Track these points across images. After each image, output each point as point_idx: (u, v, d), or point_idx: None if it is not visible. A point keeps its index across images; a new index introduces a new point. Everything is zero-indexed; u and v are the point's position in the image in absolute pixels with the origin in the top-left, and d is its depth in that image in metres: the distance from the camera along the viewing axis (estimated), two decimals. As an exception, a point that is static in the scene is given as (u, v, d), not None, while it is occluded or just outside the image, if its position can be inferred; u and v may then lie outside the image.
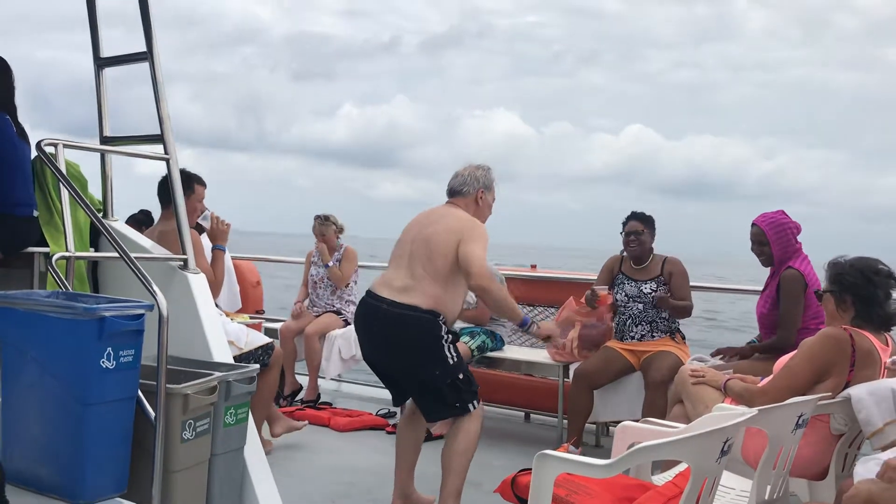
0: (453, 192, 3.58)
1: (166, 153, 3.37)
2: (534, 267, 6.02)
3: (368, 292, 3.44)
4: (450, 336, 3.27)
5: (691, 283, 4.67)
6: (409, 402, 3.57)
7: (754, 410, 2.32)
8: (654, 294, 4.49)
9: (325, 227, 6.02)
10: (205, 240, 4.35)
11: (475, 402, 3.29)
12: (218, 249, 4.21)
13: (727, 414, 2.26)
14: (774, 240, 3.94)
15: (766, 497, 2.58)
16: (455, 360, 3.25)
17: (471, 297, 4.66)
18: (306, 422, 4.67)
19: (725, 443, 2.03)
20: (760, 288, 4.17)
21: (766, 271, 4.08)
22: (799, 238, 3.99)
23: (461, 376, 3.25)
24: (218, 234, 4.25)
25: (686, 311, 4.54)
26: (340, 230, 6.08)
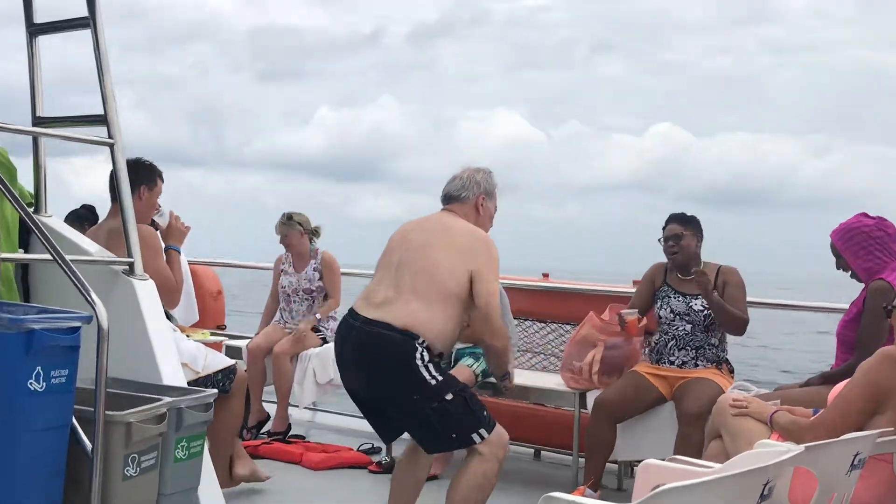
0: (450, 198, 3.62)
1: (110, 137, 3.38)
2: (546, 276, 6.03)
3: (349, 310, 3.48)
4: (427, 355, 3.26)
5: (753, 300, 4.68)
6: (409, 443, 3.60)
7: (801, 448, 2.33)
8: (704, 312, 4.47)
9: (288, 228, 5.95)
10: None
11: (481, 431, 3.24)
12: (173, 250, 4.22)
13: (769, 451, 2.28)
14: (845, 249, 3.94)
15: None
16: (439, 380, 3.24)
17: None
18: (270, 477, 4.57)
19: (765, 486, 2.05)
20: (832, 305, 4.20)
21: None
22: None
23: (448, 397, 3.23)
24: (174, 232, 4.27)
25: (739, 324, 4.48)
26: (314, 233, 6.04)
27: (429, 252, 3.38)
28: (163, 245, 4.21)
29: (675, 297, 4.59)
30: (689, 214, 4.68)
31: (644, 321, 4.63)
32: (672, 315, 4.57)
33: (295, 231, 5.94)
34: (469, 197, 3.58)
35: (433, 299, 3.30)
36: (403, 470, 3.57)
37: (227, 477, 4.17)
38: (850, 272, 4.02)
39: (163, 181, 4.29)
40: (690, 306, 4.53)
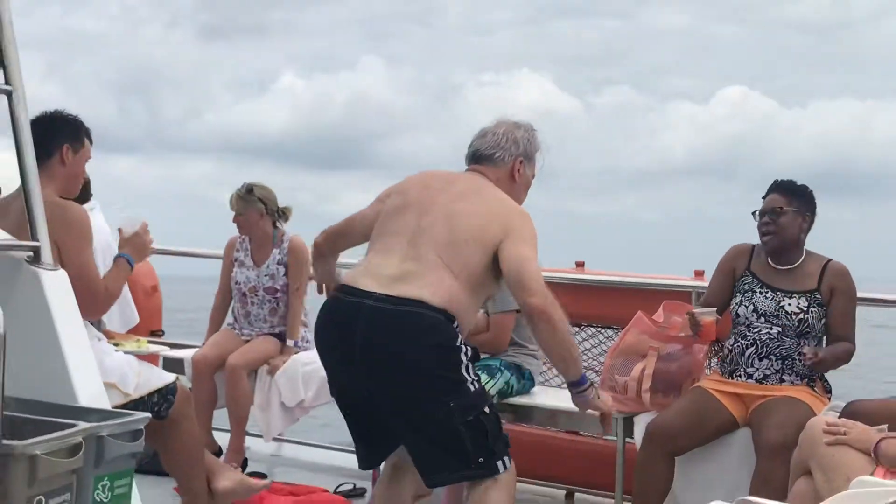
0: (480, 158, 3.61)
1: (7, 84, 3.35)
2: (580, 265, 6.00)
3: (342, 287, 3.45)
4: (468, 349, 3.27)
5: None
6: (388, 460, 3.60)
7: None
8: (799, 316, 4.41)
9: (245, 205, 5.83)
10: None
11: (505, 459, 3.28)
12: (124, 259, 4.14)
13: (873, 492, 2.24)
14: None
15: None
16: (476, 387, 3.26)
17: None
18: (268, 483, 4.74)
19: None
20: None
21: None
22: None
23: (487, 411, 3.25)
24: (137, 245, 4.19)
25: (844, 358, 4.45)
26: (280, 215, 5.96)
27: (457, 221, 3.37)
28: (107, 243, 4.17)
29: (761, 292, 4.51)
30: (799, 184, 4.59)
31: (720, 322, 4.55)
32: (755, 315, 4.49)
33: (254, 209, 5.82)
34: (505, 159, 3.57)
35: (460, 277, 3.30)
36: (385, 491, 3.59)
37: (208, 501, 4.24)
38: None
39: (91, 143, 4.20)
40: (782, 306, 4.45)
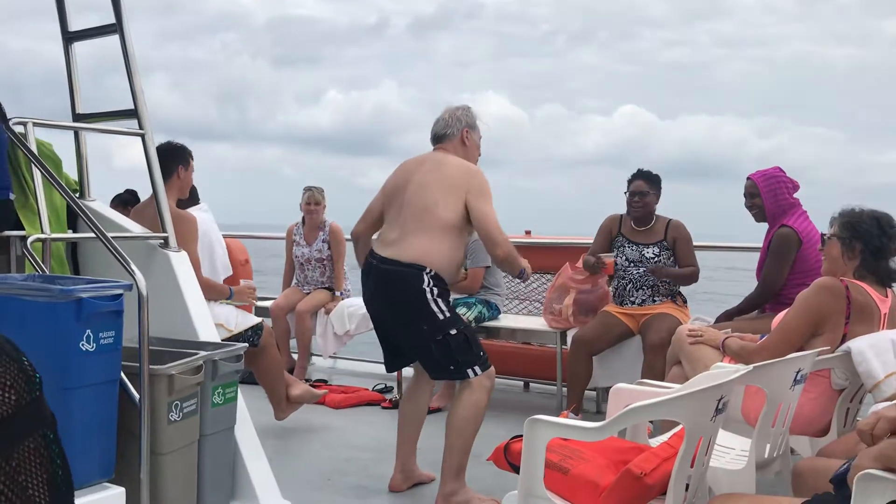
0: (438, 138, 3.50)
1: (141, 128, 3.34)
2: (528, 233, 6.01)
3: (370, 250, 3.42)
4: (436, 290, 3.18)
5: (700, 244, 4.65)
6: (412, 374, 3.58)
7: (750, 367, 2.32)
8: (655, 259, 4.47)
9: (321, 197, 5.91)
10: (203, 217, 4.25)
11: (477, 367, 3.18)
12: (228, 289, 4.15)
13: (722, 372, 2.26)
14: (766, 192, 3.95)
15: (766, 455, 2.60)
16: (446, 315, 3.18)
17: None
18: (325, 392, 4.72)
19: (720, 401, 2.04)
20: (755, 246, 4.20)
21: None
22: (796, 195, 3.99)
23: (453, 332, 3.17)
24: (242, 295, 4.23)
25: (690, 278, 4.48)
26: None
27: (426, 190, 3.27)
28: (204, 239, 4.13)
29: (629, 247, 4.56)
30: (653, 173, 4.58)
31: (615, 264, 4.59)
32: (627, 262, 4.54)
33: (323, 201, 5.92)
34: (454, 133, 3.46)
35: (434, 232, 3.22)
36: (407, 403, 3.56)
37: (287, 403, 4.25)
38: (756, 211, 4.01)
39: (192, 159, 4.22)
40: (643, 254, 4.51)
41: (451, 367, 3.20)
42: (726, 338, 3.19)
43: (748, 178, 4.04)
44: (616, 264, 4.56)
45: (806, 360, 2.63)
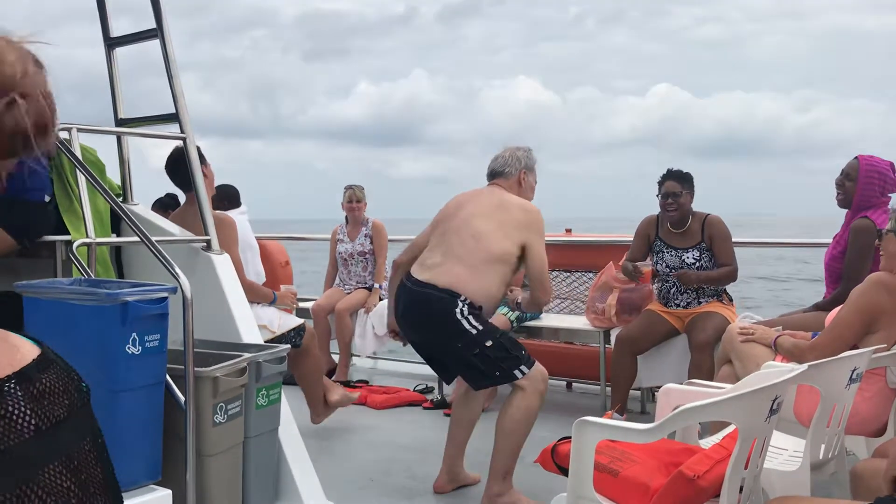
0: (495, 174, 3.53)
1: (182, 132, 3.37)
2: (569, 231, 5.96)
3: (406, 273, 3.43)
4: (466, 308, 3.18)
5: (741, 241, 4.55)
6: (460, 382, 3.56)
7: (804, 366, 2.27)
8: (695, 265, 4.38)
9: (363, 194, 5.99)
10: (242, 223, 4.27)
11: (522, 367, 3.15)
12: (272, 294, 4.17)
13: (776, 371, 2.21)
14: (863, 179, 3.75)
15: (821, 456, 2.54)
16: (479, 329, 3.17)
17: None
18: (359, 392, 4.72)
19: (774, 401, 1.99)
20: (813, 241, 4.09)
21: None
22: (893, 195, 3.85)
23: (488, 344, 3.16)
24: (285, 300, 4.26)
25: (728, 278, 4.38)
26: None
27: (476, 221, 3.30)
28: (245, 242, 4.15)
29: (668, 252, 4.47)
30: (684, 171, 4.48)
31: (653, 270, 4.54)
32: (668, 269, 4.46)
33: (364, 199, 5.99)
34: (512, 173, 3.49)
35: (476, 263, 3.23)
36: (459, 407, 3.54)
37: (324, 406, 4.25)
38: (843, 194, 3.86)
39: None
40: (683, 259, 4.42)
41: (497, 374, 3.19)
42: (778, 336, 3.12)
43: (855, 158, 3.89)
44: (656, 272, 4.50)
45: (861, 358, 2.57)
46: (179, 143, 3.39)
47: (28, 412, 0.62)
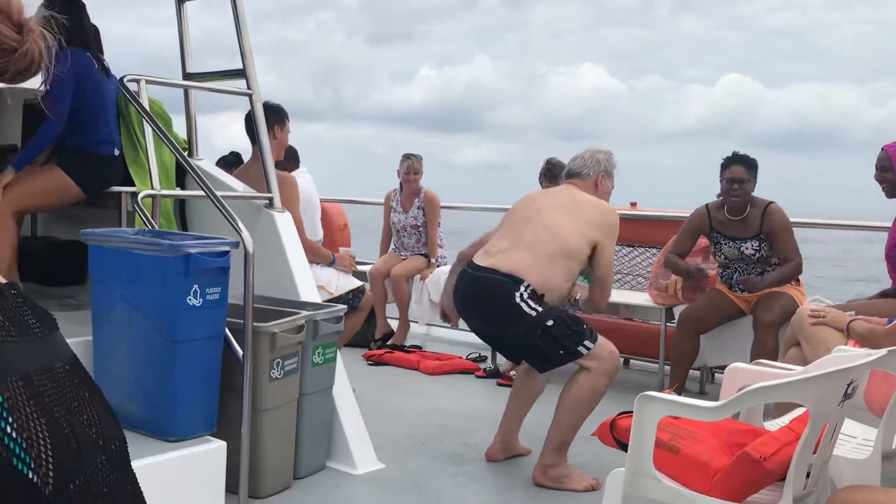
0: (572, 174, 3.49)
1: (249, 88, 3.38)
2: (633, 205, 5.84)
3: (468, 261, 3.41)
4: (526, 292, 3.13)
5: (807, 221, 4.39)
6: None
7: (882, 351, 2.17)
8: (755, 255, 4.23)
9: (420, 164, 5.91)
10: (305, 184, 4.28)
11: (586, 342, 3.11)
12: (331, 255, 4.18)
13: (850, 355, 2.13)
14: None
15: (894, 446, 2.44)
16: (539, 311, 3.11)
17: None
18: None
19: (849, 385, 1.91)
20: (885, 225, 3.91)
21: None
22: None
23: (549, 323, 3.11)
24: (344, 261, 4.25)
25: (794, 273, 4.20)
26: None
27: (550, 213, 3.27)
28: (310, 197, 4.16)
29: (726, 244, 4.31)
30: (750, 157, 4.29)
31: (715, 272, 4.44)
32: (727, 260, 4.33)
33: (422, 169, 5.91)
34: (590, 175, 3.44)
35: (545, 253, 3.19)
36: (523, 379, 3.52)
37: None
38: (887, 186, 3.70)
39: (289, 120, 4.21)
40: (742, 251, 4.26)
41: (561, 353, 3.13)
42: (851, 320, 3.01)
43: (882, 150, 3.75)
44: (718, 262, 4.40)
45: (943, 346, 2.45)
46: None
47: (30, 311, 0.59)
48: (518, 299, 3.11)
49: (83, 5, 3.27)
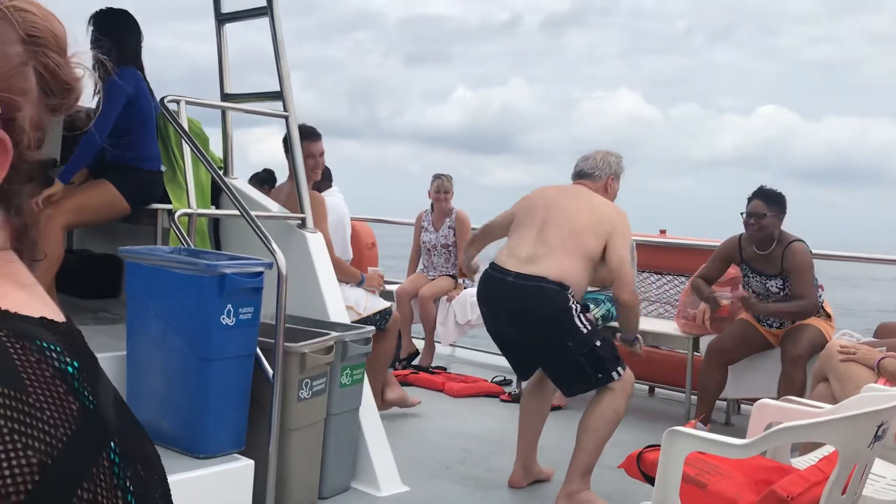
0: (582, 175, 3.49)
1: (285, 110, 3.44)
2: (663, 232, 5.83)
3: (492, 265, 3.38)
4: (578, 306, 3.17)
5: (835, 253, 4.34)
6: (533, 375, 3.54)
7: (914, 393, 2.16)
8: (780, 294, 4.20)
9: (451, 184, 5.95)
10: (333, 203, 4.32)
11: (619, 368, 3.15)
12: (359, 274, 4.21)
13: (881, 395, 2.12)
14: None
15: (923, 488, 2.42)
16: (588, 328, 3.14)
17: None
18: (419, 402, 4.60)
19: (880, 427, 1.91)
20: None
21: None
22: None
23: (598, 343, 3.13)
24: (373, 281, 4.29)
25: (803, 312, 4.13)
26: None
27: (574, 215, 3.27)
28: (341, 218, 4.20)
29: (753, 278, 4.28)
30: (776, 191, 4.25)
31: (732, 303, 4.41)
32: (755, 295, 4.30)
33: (452, 189, 5.95)
34: (601, 176, 3.46)
35: (576, 255, 3.20)
36: (530, 400, 3.52)
37: (380, 401, 4.20)
38: None
39: (321, 140, 4.25)
40: (768, 288, 4.23)
41: (600, 376, 3.14)
42: (882, 357, 2.99)
43: None
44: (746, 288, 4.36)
45: (976, 388, 2.43)
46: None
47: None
48: (574, 312, 3.11)
49: (136, 24, 3.34)
